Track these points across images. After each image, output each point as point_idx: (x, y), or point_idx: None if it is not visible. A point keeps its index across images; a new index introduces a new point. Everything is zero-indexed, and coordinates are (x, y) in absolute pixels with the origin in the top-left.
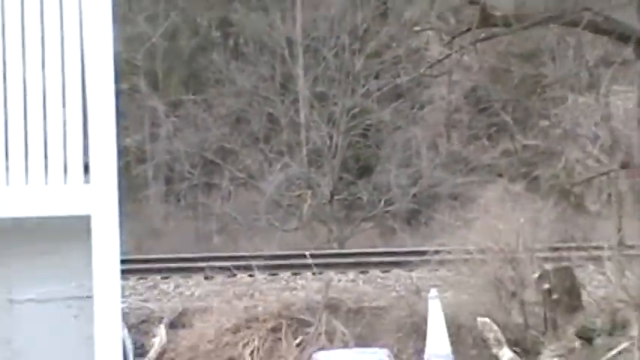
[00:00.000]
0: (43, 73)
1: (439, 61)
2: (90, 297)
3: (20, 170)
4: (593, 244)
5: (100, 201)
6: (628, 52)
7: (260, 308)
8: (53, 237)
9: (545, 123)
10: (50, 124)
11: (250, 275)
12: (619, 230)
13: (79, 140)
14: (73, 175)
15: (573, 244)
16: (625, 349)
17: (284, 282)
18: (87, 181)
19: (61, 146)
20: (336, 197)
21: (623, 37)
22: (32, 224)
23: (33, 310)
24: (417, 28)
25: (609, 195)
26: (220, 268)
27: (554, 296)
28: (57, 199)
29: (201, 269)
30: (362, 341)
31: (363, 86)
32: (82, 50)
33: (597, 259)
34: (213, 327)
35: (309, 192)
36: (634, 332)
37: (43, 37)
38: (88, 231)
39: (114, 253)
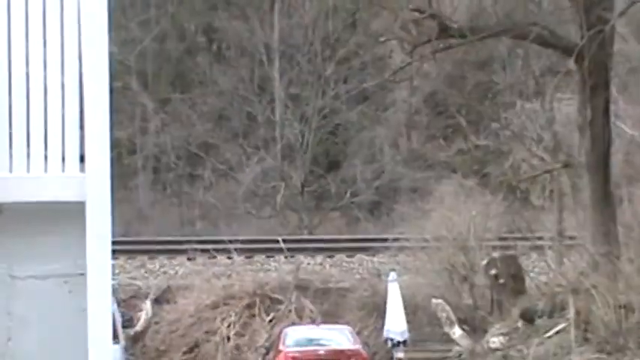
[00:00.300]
0: (45, 73)
1: (401, 68)
2: (84, 274)
3: (22, 159)
4: (537, 234)
5: (94, 188)
6: (570, 63)
7: (237, 287)
8: (51, 220)
9: (495, 125)
10: (50, 118)
11: (229, 257)
12: (559, 223)
13: (76, 133)
14: (70, 164)
15: (518, 235)
16: (562, 330)
17: (259, 264)
18: (82, 170)
19: (60, 138)
20: (306, 189)
21: (567, 50)
22: (33, 209)
23: (32, 285)
24: (382, 38)
25: (551, 191)
26: (202, 250)
27: (501, 281)
28: (55, 186)
29: (185, 251)
30: (328, 318)
31: (333, 89)
32: (79, 52)
33: (540, 248)
34: (194, 303)
35: (283, 183)
36: (571, 314)
37: (44, 40)
38: (83, 215)
39: (106, 235)
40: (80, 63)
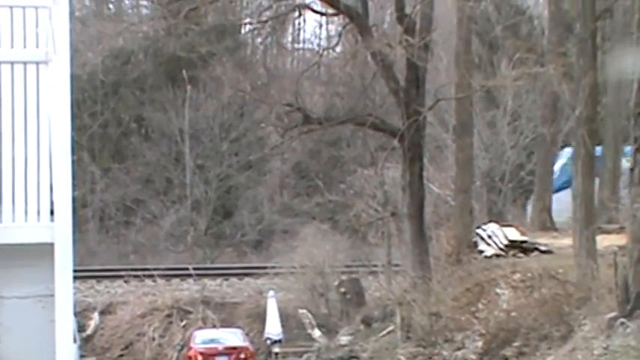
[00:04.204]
0: (25, 151)
1: (276, 146)
2: (52, 295)
3: (9, 213)
4: (372, 263)
5: (60, 233)
6: (395, 142)
7: (159, 302)
8: (30, 256)
9: (342, 186)
10: (29, 184)
11: (153, 281)
12: (388, 255)
13: (47, 194)
14: (43, 217)
15: (359, 263)
16: (392, 331)
17: (175, 285)
18: (52, 220)
19: (36, 198)
20: (209, 231)
21: (392, 133)
22: (16, 248)
23: (16, 303)
24: (262, 124)
25: (383, 232)
26: (134, 276)
27: (348, 296)
28: (33, 232)
29: (122, 276)
30: (225, 323)
31: (227, 160)
32: (49, 137)
33: (375, 273)
34: (129, 314)
35: (192, 227)
36: (397, 320)
37: (25, 129)
38: (52, 252)
39: (68, 267)
40: (49, 144)
